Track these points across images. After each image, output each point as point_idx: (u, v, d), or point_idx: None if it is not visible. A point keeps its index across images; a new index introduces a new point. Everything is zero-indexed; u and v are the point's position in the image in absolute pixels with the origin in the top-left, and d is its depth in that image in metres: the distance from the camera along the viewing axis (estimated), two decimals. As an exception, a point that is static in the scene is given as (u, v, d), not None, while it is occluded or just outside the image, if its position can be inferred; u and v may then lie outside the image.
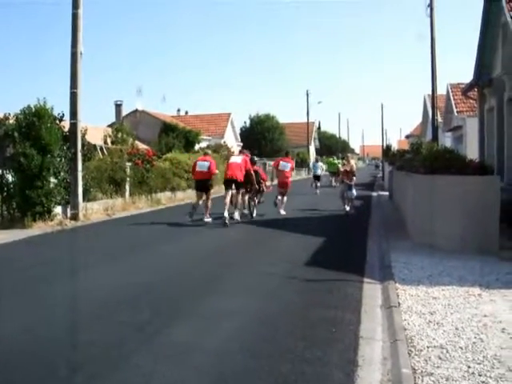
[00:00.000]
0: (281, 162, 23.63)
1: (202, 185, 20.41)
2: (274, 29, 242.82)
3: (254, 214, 21.30)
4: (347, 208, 22.82)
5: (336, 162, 43.23)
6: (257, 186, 21.29)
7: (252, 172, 20.41)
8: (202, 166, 20.47)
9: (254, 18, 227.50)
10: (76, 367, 6.02)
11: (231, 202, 19.87)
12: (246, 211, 20.97)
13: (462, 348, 6.42)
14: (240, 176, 19.57)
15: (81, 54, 20.52)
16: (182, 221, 19.61)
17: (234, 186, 19.82)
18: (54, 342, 6.86)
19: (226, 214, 18.65)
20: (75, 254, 14.03)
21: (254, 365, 6.05)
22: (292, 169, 23.99)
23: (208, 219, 19.87)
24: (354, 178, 22.74)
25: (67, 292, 9.70)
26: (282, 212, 22.35)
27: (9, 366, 6.08)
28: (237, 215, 19.68)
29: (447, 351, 6.33)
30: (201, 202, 20.45)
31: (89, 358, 6.27)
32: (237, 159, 20.40)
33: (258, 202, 22.39)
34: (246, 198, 20.97)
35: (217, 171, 21.19)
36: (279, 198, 22.76)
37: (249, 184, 20.36)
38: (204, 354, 6.39)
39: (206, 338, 6.97)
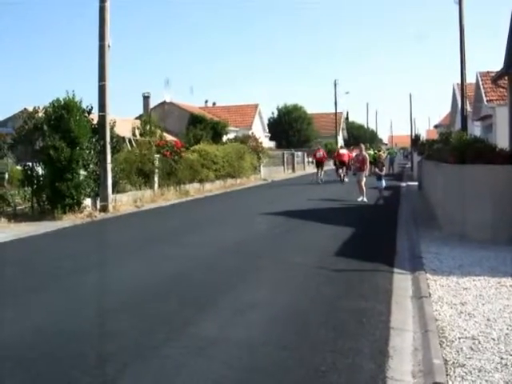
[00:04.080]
0: (363, 152, 29.33)
1: (321, 164, 39.48)
2: (302, 19, 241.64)
3: (346, 179, 36.99)
4: (362, 199, 24.14)
5: (372, 152, 46.18)
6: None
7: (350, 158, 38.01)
8: (319, 154, 39.66)
9: (282, 8, 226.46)
10: (108, 357, 6.05)
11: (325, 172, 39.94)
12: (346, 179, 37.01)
13: (494, 339, 6.36)
14: (346, 161, 38.08)
15: (109, 46, 20.64)
16: (210, 212, 19.70)
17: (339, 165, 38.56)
18: (85, 333, 6.93)
19: (341, 178, 37.46)
20: (105, 245, 14.12)
21: (284, 356, 6.04)
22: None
23: (321, 182, 37.62)
24: (384, 168, 23.32)
25: (97, 283, 9.80)
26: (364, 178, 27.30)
27: (42, 356, 6.14)
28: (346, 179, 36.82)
29: (479, 342, 6.26)
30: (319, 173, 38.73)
31: (120, 348, 6.32)
32: (344, 151, 39.84)
33: (347, 173, 38.85)
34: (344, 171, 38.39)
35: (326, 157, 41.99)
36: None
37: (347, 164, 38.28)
38: (234, 345, 6.40)
39: (235, 329, 6.99)
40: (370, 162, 29.80)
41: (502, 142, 20.52)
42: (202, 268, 10.83)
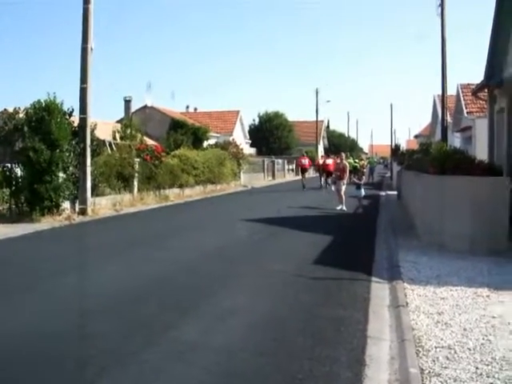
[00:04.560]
0: (343, 161, 27.96)
1: (304, 170, 44.26)
2: (286, 27, 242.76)
3: (332, 188, 33.36)
4: (341, 207, 24.09)
5: (352, 161, 47.78)
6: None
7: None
8: (304, 161, 43.96)
9: (265, 15, 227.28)
10: (86, 361, 6.03)
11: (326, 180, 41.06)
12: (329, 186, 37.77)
13: (470, 349, 6.40)
14: (332, 169, 35.54)
15: (91, 49, 20.57)
16: (189, 218, 19.73)
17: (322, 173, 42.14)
18: (64, 336, 6.88)
19: (324, 184, 40.89)
20: (83, 248, 14.06)
21: (262, 363, 6.04)
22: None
23: (305, 188, 39.72)
24: (364, 177, 23.43)
25: (75, 286, 9.73)
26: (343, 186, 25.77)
27: (19, 360, 6.11)
28: (331, 187, 36.15)
29: (455, 352, 6.31)
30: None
31: (98, 352, 6.29)
32: (330, 161, 40.11)
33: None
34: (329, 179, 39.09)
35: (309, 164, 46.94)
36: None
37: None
38: (212, 351, 6.40)
39: (214, 335, 6.98)
40: (350, 171, 29.93)
41: (480, 154, 20.73)
42: (182, 273, 10.82)
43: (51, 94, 19.24)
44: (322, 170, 42.17)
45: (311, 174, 52.41)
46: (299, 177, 44.54)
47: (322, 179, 42.10)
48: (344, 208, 23.64)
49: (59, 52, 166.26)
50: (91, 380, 5.55)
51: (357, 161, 50.80)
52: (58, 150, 18.64)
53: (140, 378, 5.62)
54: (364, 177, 25.12)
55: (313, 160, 53.73)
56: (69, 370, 5.84)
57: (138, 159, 26.42)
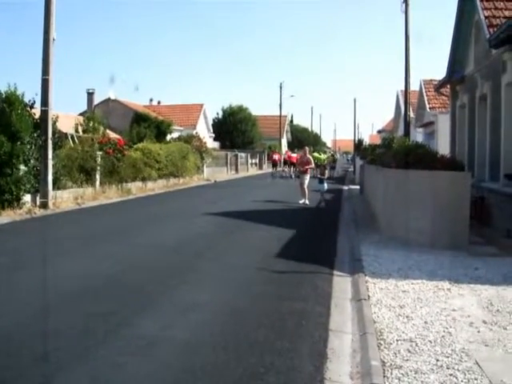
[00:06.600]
0: (307, 155, 27.85)
1: (275, 164, 53.14)
2: (250, 22, 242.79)
3: (293, 176, 43.60)
4: (304, 201, 24.10)
5: (320, 155, 48.32)
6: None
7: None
8: (275, 156, 54.41)
9: (230, 9, 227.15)
10: (43, 358, 5.93)
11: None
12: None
13: (430, 341, 6.46)
14: (294, 161, 42.67)
15: (53, 40, 20.26)
16: (152, 212, 19.65)
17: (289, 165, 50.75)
18: (20, 333, 6.76)
19: (290, 175, 47.85)
20: (43, 242, 13.85)
21: (223, 357, 6.01)
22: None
23: (275, 179, 46.00)
24: (327, 171, 23.53)
25: (33, 281, 9.56)
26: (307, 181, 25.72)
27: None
28: (293, 176, 45.10)
29: (416, 344, 6.36)
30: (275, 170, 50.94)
31: (55, 348, 6.17)
32: (294, 154, 48.87)
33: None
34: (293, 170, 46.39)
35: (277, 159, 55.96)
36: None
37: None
38: (173, 345, 6.36)
39: (174, 329, 6.93)
40: (316, 165, 30.04)
41: (442, 149, 20.95)
42: (143, 267, 10.71)
43: (12, 84, 18.97)
44: (290, 162, 49.84)
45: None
46: (262, 171, 53.23)
47: (289, 170, 50.38)
48: (307, 202, 23.70)
49: (20, 42, 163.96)
50: (49, 377, 5.47)
51: (322, 155, 51.25)
52: (18, 143, 18.35)
53: (98, 373, 5.55)
54: (327, 171, 25.23)
55: (281, 156, 58.51)
56: (28, 366, 5.72)
57: (101, 152, 26.15)
